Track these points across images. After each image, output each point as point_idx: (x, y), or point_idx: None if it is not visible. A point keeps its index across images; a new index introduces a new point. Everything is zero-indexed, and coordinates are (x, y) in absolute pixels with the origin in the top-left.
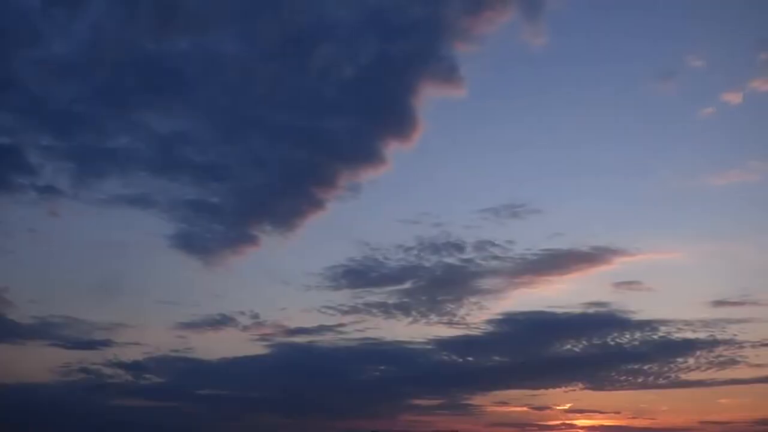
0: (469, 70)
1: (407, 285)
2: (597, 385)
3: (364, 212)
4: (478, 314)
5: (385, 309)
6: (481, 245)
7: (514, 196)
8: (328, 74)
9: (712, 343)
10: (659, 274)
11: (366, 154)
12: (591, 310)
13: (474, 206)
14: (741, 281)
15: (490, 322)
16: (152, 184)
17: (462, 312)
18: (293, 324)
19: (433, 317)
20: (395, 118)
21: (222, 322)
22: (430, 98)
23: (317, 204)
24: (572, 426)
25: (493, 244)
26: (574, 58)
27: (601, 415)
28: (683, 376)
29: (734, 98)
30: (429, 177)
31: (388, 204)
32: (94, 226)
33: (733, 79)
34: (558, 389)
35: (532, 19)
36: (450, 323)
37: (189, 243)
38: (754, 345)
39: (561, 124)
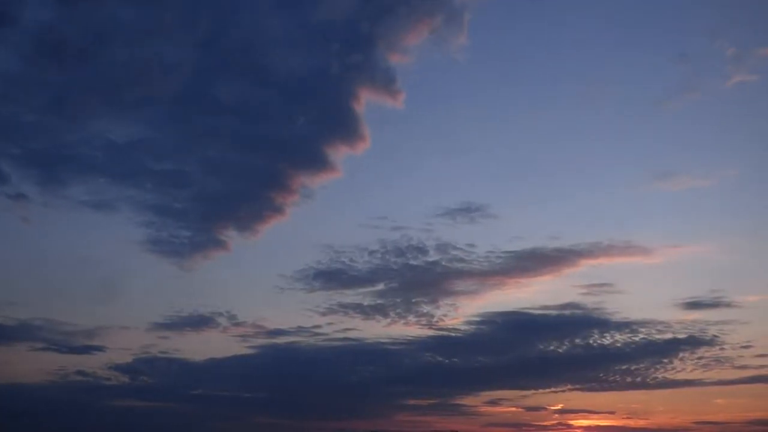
0: (404, 79)
1: (379, 287)
2: (585, 385)
3: (322, 216)
4: (456, 315)
5: (362, 310)
6: (442, 248)
7: (465, 200)
8: (277, 84)
9: (693, 344)
10: (628, 276)
11: (318, 160)
12: (567, 312)
13: (427, 210)
14: (710, 283)
15: (469, 323)
16: (114, 191)
17: (439, 313)
18: (272, 325)
19: (412, 318)
20: (342, 125)
21: (202, 323)
22: (372, 106)
23: (277, 209)
24: (569, 426)
25: (455, 247)
26: (491, 64)
27: (596, 416)
28: (670, 377)
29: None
30: (380, 181)
31: (344, 208)
32: (63, 232)
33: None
34: (548, 390)
35: (455, 28)
36: (429, 324)
37: (159, 247)
38: (735, 347)
39: (498, 127)
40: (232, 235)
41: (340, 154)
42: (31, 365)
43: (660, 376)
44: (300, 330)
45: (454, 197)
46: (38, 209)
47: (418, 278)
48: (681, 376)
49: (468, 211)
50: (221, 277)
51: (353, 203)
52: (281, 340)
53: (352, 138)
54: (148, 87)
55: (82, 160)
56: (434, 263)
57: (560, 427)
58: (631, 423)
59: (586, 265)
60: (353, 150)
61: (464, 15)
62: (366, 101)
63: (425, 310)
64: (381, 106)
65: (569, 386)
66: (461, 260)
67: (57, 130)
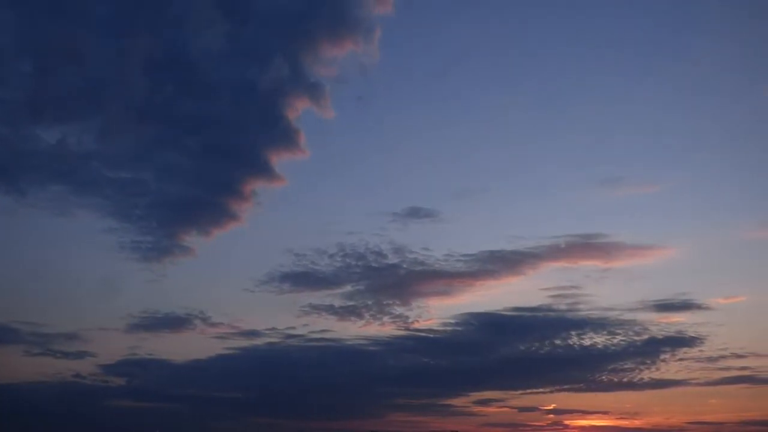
0: (333, 89)
1: (347, 288)
2: (574, 386)
3: (275, 222)
4: (429, 317)
5: (335, 311)
6: (399, 251)
7: (413, 205)
8: (225, 95)
9: (673, 345)
10: (592, 278)
11: (265, 168)
12: (540, 314)
13: (375, 214)
14: (677, 285)
15: (445, 324)
16: (73, 198)
17: (412, 314)
18: (247, 326)
19: (386, 319)
20: (282, 134)
21: (178, 324)
22: (308, 116)
23: (233, 215)
24: (565, 426)
25: (411, 250)
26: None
27: (591, 416)
28: (656, 377)
29: None
30: (323, 188)
31: (295, 214)
32: (26, 238)
33: None
34: (537, 390)
35: (369, 40)
36: (405, 326)
37: (124, 253)
38: (713, 348)
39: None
40: (194, 240)
41: (284, 162)
42: (19, 367)
43: (645, 376)
44: (275, 331)
45: (401, 202)
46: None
47: (384, 280)
48: (666, 376)
49: (418, 215)
50: (189, 280)
51: (302, 209)
52: (260, 341)
53: (293, 147)
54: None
55: (42, 168)
56: (395, 266)
57: (556, 426)
58: (626, 423)
59: (547, 268)
60: (295, 157)
61: (376, 31)
62: (301, 111)
63: (398, 312)
64: (315, 116)
65: (557, 387)
66: (421, 263)
67: (11, 139)
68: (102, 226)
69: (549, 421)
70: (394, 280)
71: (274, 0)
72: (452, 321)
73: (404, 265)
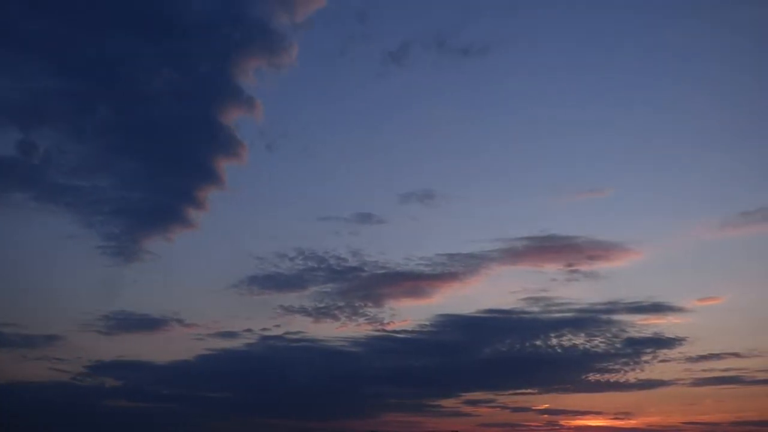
0: (263, 97)
1: (314, 291)
2: (562, 386)
3: (225, 227)
4: (404, 318)
5: (308, 313)
6: (357, 254)
7: (360, 211)
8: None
9: (654, 345)
10: (556, 281)
11: (213, 174)
12: (514, 315)
13: (321, 219)
14: (646, 287)
15: (421, 325)
16: (32, 206)
17: (386, 316)
18: (222, 327)
19: (362, 320)
20: (225, 142)
21: (153, 325)
22: (246, 124)
23: (189, 221)
24: (560, 426)
25: (369, 254)
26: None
27: (586, 416)
28: (643, 377)
29: None
30: (269, 194)
31: (246, 219)
32: None
33: None
34: (527, 391)
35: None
36: (381, 327)
37: (88, 259)
38: (693, 348)
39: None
40: (156, 245)
41: (232, 168)
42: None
43: (631, 377)
44: (252, 333)
45: (350, 207)
46: None
47: (350, 283)
48: (651, 376)
49: (369, 220)
50: (157, 283)
51: (254, 215)
52: (238, 342)
53: (236, 154)
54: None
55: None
56: (357, 269)
57: (553, 427)
58: (622, 423)
59: (509, 271)
60: (240, 164)
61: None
62: (237, 119)
63: (372, 313)
64: (252, 123)
65: (545, 388)
66: (382, 266)
67: None
68: (65, 232)
69: (544, 422)
70: (360, 282)
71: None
72: (427, 323)
73: (366, 268)
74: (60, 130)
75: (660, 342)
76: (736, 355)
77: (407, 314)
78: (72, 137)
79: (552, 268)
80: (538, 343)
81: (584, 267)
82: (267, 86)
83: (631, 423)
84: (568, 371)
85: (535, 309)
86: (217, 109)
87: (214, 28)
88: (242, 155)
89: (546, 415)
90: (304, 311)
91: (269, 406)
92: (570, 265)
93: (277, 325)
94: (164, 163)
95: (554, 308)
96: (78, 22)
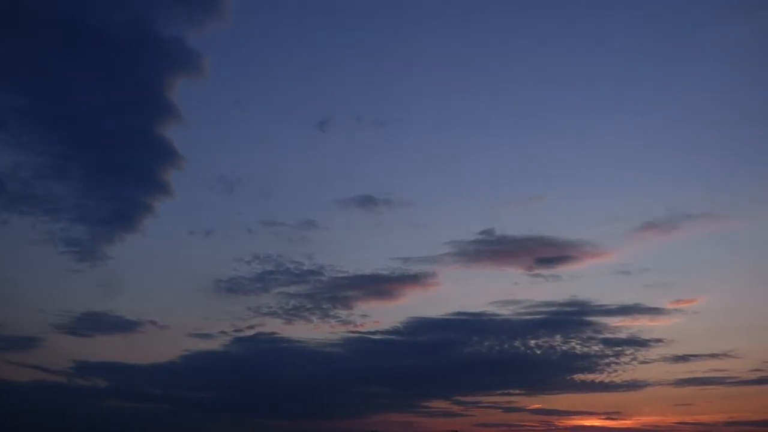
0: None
1: (278, 293)
2: (548, 387)
3: (175, 233)
4: (375, 319)
5: (278, 315)
6: (310, 257)
7: (304, 218)
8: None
9: (634, 346)
10: (518, 285)
11: (158, 183)
12: (485, 318)
13: (270, 224)
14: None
15: (395, 327)
16: None
17: (357, 317)
18: (197, 329)
19: (334, 322)
20: (163, 151)
21: (128, 327)
22: (179, 132)
23: (138, 227)
24: (555, 427)
25: (322, 258)
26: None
27: (576, 416)
28: (627, 378)
29: None
30: (212, 201)
31: (192, 225)
32: None
33: None
34: (516, 391)
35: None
36: (356, 328)
37: (52, 265)
38: (672, 348)
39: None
40: (115, 251)
41: (175, 176)
42: None
43: (617, 378)
44: (226, 334)
45: (293, 213)
46: None
47: (313, 285)
48: (635, 377)
49: (315, 226)
50: (124, 286)
51: (201, 221)
52: (215, 343)
53: (174, 162)
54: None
55: None
56: (316, 272)
57: (549, 427)
58: (617, 424)
59: (466, 274)
60: (180, 172)
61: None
62: (171, 128)
63: (343, 315)
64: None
65: (532, 388)
66: (339, 270)
67: None
68: (28, 239)
69: (539, 422)
70: (323, 285)
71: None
72: (400, 325)
73: (324, 272)
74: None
75: (637, 343)
76: (714, 356)
77: (378, 316)
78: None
79: (512, 271)
80: (516, 344)
81: (544, 269)
82: (190, 99)
83: (627, 423)
84: (552, 372)
85: (506, 311)
86: (153, 121)
87: (139, 45)
88: (181, 164)
89: (540, 416)
90: (274, 313)
91: (257, 407)
92: (530, 267)
93: (250, 327)
94: (114, 173)
95: (524, 311)
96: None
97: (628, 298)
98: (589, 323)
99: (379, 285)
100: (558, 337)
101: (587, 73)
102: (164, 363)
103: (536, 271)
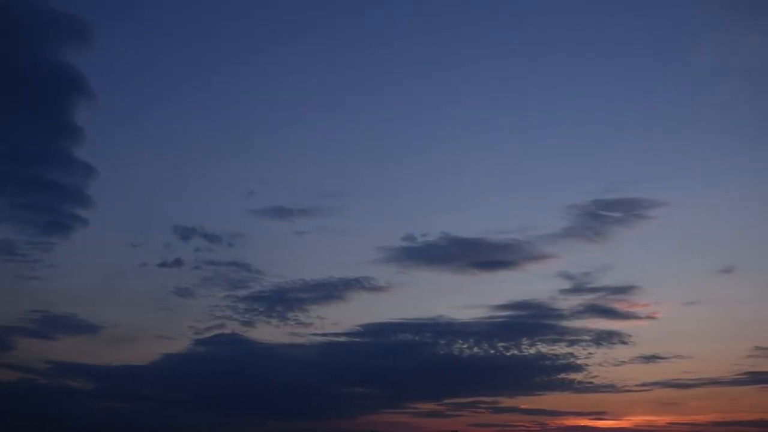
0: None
1: (225, 296)
2: (526, 390)
3: (103, 240)
4: (333, 322)
5: (232, 318)
6: (246, 267)
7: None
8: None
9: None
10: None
11: (78, 196)
12: (442, 321)
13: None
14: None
15: (355, 330)
16: None
17: (314, 320)
18: (158, 331)
19: (293, 324)
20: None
21: (87, 330)
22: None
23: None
24: (551, 427)
25: (260, 265)
26: None
27: (575, 417)
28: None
29: None
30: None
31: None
32: None
33: None
34: (503, 393)
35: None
36: (317, 330)
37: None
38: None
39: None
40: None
41: (93, 187)
42: None
43: (594, 380)
44: (187, 337)
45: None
46: None
47: (258, 289)
48: (606, 379)
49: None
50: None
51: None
52: (179, 346)
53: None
54: None
55: None
56: (256, 278)
57: (545, 427)
58: (613, 424)
59: (411, 278)
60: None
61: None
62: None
63: (300, 318)
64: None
65: (509, 390)
66: (277, 275)
67: None
68: None
69: (532, 422)
70: (269, 289)
71: None
72: (361, 328)
73: (264, 278)
74: None
75: (603, 344)
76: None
77: (334, 319)
78: None
79: (454, 276)
80: (486, 347)
81: (488, 273)
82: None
83: (622, 423)
84: (529, 374)
85: (464, 317)
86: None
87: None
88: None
89: (534, 416)
90: (229, 317)
91: (237, 407)
92: (474, 273)
93: (208, 328)
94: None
95: (482, 315)
96: None
97: (580, 300)
98: (551, 326)
99: (326, 290)
100: (525, 340)
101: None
102: (135, 365)
103: (479, 275)
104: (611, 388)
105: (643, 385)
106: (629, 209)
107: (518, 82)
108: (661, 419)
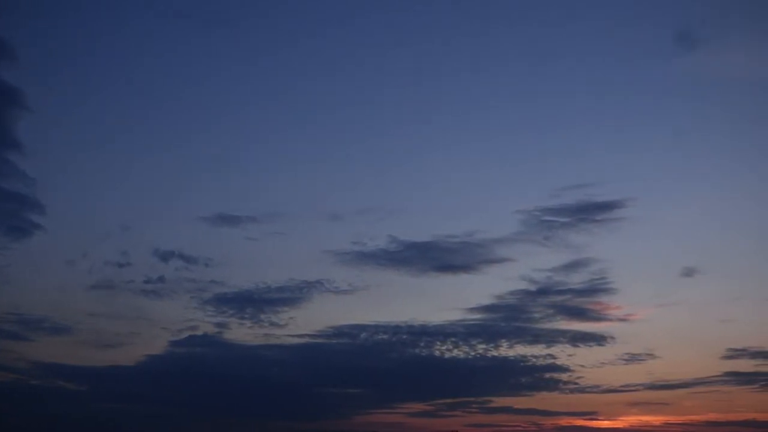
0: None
1: (190, 299)
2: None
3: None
4: (305, 324)
5: (204, 320)
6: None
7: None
8: None
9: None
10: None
11: (33, 201)
12: (416, 324)
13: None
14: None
15: (331, 332)
16: None
17: (287, 321)
18: (138, 331)
19: (266, 325)
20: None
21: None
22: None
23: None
24: (548, 428)
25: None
26: None
27: (572, 417)
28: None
29: None
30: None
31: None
32: None
33: None
34: (494, 394)
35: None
36: (291, 332)
37: None
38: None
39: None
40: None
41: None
42: None
43: (582, 382)
44: (161, 339)
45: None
46: None
47: (222, 291)
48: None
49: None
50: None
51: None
52: (157, 348)
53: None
54: None
55: None
56: (218, 282)
57: (542, 428)
58: (609, 424)
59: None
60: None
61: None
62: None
63: (273, 320)
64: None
65: (498, 391)
66: (246, 279)
67: None
68: None
69: (526, 422)
70: (229, 291)
71: None
72: (331, 330)
73: (228, 281)
74: None
75: (580, 345)
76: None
77: (307, 320)
78: None
79: (414, 279)
80: (465, 349)
81: (446, 276)
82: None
83: (617, 424)
84: (511, 375)
85: (434, 320)
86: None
87: None
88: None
89: (530, 416)
90: (200, 318)
91: (227, 408)
92: (434, 276)
93: (180, 330)
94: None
95: (453, 318)
96: None
97: (549, 303)
98: (525, 328)
99: (291, 292)
100: (503, 342)
101: None
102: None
103: (440, 278)
104: (597, 388)
105: (628, 385)
106: (586, 212)
107: (485, 88)
108: (656, 419)
